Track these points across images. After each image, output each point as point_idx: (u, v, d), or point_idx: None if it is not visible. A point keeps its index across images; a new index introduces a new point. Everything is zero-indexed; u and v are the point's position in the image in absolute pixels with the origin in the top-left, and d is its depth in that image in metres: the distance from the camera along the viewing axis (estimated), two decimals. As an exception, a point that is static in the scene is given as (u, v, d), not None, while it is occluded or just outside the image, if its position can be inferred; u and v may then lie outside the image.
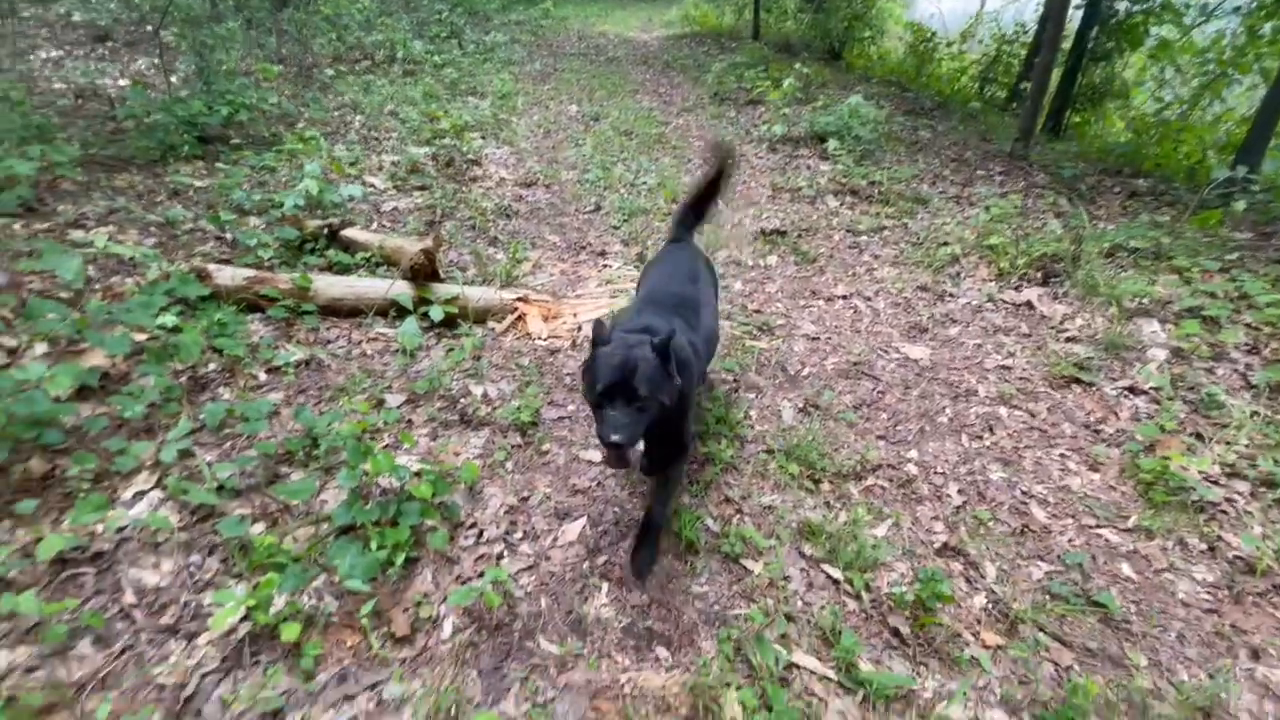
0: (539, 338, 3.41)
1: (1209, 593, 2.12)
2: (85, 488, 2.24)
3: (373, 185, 5.08)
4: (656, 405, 1.76)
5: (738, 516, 2.33)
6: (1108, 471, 2.59)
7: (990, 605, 2.04)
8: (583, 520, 2.31)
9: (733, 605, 2.01)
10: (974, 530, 2.32)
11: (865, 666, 1.81)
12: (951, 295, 3.93)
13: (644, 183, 5.57)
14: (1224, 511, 2.37)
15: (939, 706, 1.74)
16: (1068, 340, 3.42)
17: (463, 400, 2.90)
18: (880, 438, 2.78)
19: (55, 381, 2.39)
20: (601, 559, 2.15)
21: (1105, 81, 7.80)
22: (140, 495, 2.28)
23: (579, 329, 3.50)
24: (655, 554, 2.05)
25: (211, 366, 2.94)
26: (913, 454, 2.69)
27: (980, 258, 4.27)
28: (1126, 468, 2.60)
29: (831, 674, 1.80)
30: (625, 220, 4.85)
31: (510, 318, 3.50)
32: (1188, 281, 3.79)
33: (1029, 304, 3.74)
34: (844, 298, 3.91)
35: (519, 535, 2.25)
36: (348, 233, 3.94)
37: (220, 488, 2.27)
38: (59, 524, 2.10)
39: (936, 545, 2.25)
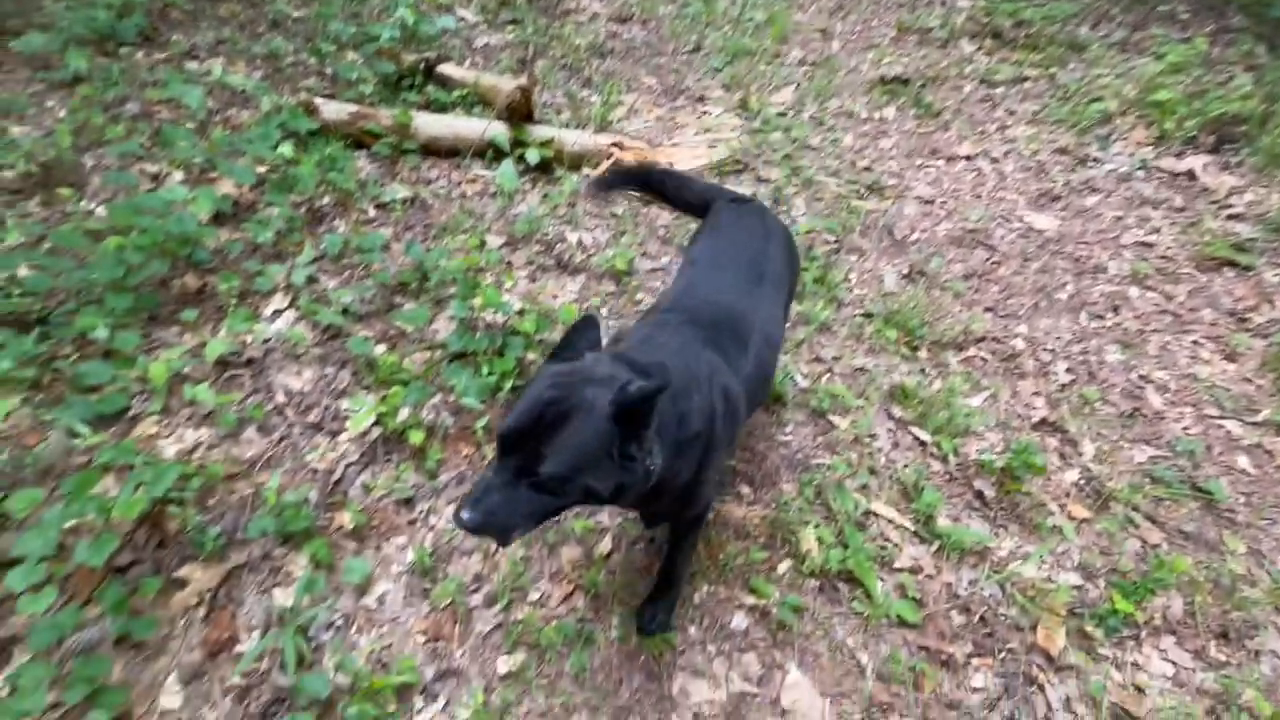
0: (634, 187, 3.33)
1: (1334, 493, 2.00)
2: (233, 302, 2.50)
3: (463, 18, 4.85)
4: (573, 494, 1.09)
5: (828, 375, 2.34)
6: (1246, 363, 2.38)
7: (1083, 481, 2.02)
8: (674, 367, 2.38)
9: (816, 455, 2.09)
10: (1077, 409, 2.24)
11: (943, 522, 1.87)
12: (1095, 160, 3.47)
13: (750, 19, 5.02)
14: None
15: (1013, 564, 1.79)
16: (1229, 217, 3.01)
17: (559, 246, 2.95)
18: (988, 310, 2.65)
19: (197, 204, 2.59)
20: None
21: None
22: (278, 313, 2.52)
23: (675, 180, 3.38)
24: (669, 615, 1.67)
25: (326, 200, 3.09)
26: (1021, 329, 2.55)
27: (1139, 117, 3.70)
28: (1270, 360, 2.37)
29: (909, 524, 1.88)
30: (728, 63, 4.45)
31: (606, 163, 3.41)
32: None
33: (1190, 174, 3.27)
34: (967, 158, 3.55)
35: (613, 375, 2.36)
36: (444, 69, 3.84)
37: (345, 311, 2.47)
38: (215, 332, 2.38)
39: (1034, 419, 2.20)
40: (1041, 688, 1.58)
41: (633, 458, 1.11)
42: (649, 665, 1.63)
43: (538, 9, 5.07)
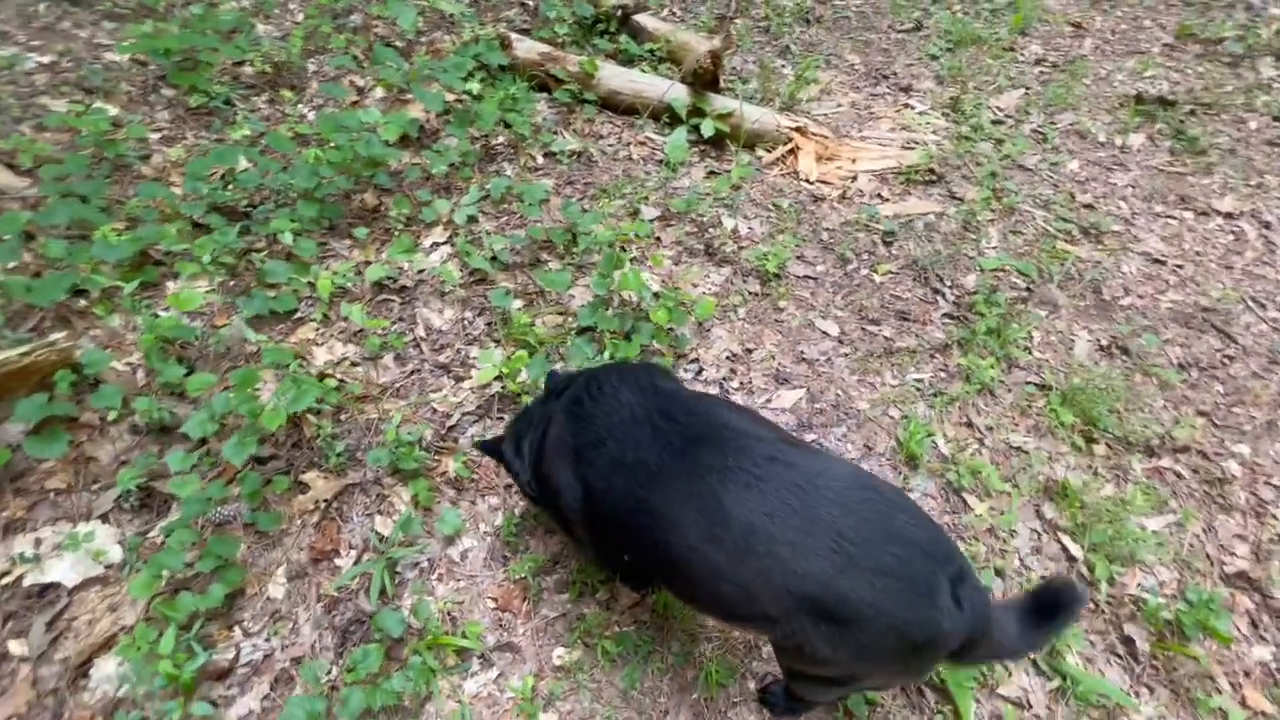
0: (807, 179, 3.08)
1: None
2: (400, 228, 2.65)
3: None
4: None
5: (976, 448, 2.06)
6: None
7: (1276, 665, 1.64)
8: (801, 392, 2.22)
9: (937, 534, 1.86)
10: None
11: (1072, 660, 1.60)
12: None
13: (987, 3, 4.37)
14: None
15: (1148, 735, 1.51)
16: None
17: (712, 230, 2.81)
18: (1202, 414, 2.18)
19: (387, 129, 2.74)
20: (809, 437, 2.08)
21: None
22: (435, 246, 2.64)
23: (854, 179, 3.08)
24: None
25: (500, 139, 3.15)
26: (1242, 449, 2.08)
27: None
28: None
29: None
30: (948, 49, 3.92)
31: (782, 148, 3.17)
32: None
33: None
34: (1227, 215, 2.89)
35: (735, 385, 2.24)
36: (640, 18, 3.72)
37: (493, 258, 2.53)
38: (380, 253, 2.54)
39: (1229, 570, 1.80)
40: None
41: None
42: (698, 706, 1.57)
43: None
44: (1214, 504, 1.96)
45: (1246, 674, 1.62)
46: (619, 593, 1.75)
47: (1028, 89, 3.62)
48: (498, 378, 2.15)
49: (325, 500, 1.87)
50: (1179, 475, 2.02)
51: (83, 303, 2.18)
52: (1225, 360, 2.34)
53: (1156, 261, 2.71)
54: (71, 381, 1.85)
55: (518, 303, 2.43)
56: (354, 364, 2.21)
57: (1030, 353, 2.34)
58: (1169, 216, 2.91)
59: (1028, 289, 2.57)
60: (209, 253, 2.31)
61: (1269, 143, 3.29)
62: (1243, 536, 1.88)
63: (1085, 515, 1.86)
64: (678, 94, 3.21)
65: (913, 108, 3.50)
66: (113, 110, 2.88)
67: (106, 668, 1.54)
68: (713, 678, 1.59)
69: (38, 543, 1.68)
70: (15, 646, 1.55)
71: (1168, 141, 3.30)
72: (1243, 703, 1.57)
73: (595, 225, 2.61)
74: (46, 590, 1.63)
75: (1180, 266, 2.68)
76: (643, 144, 3.23)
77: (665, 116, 3.26)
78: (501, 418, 2.10)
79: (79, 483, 1.80)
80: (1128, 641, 1.65)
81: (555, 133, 3.20)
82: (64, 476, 1.80)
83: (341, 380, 2.13)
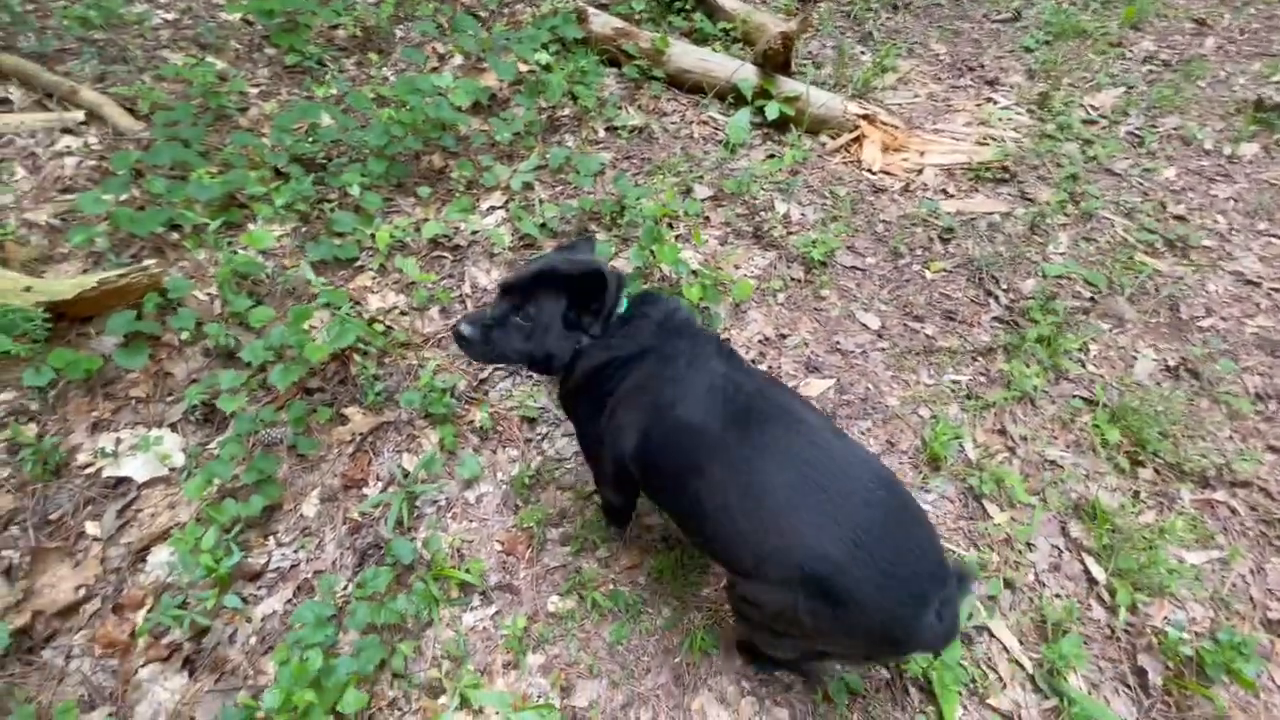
0: (869, 168, 2.99)
1: None
2: (460, 190, 2.78)
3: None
4: (531, 339, 1.42)
5: (1006, 456, 1.98)
6: None
7: (1310, 721, 1.51)
8: (831, 382, 2.19)
9: (949, 539, 1.81)
10: (1346, 626, 1.64)
11: (1075, 682, 1.54)
12: None
13: (1100, -7, 4.04)
14: None
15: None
16: None
17: (763, 213, 2.78)
18: (1273, 450, 2.00)
19: (457, 94, 2.86)
20: (832, 427, 2.06)
21: None
22: (492, 210, 2.76)
23: (919, 172, 2.96)
24: None
25: (566, 111, 3.23)
26: (1318, 504, 1.90)
27: None
28: None
29: (1027, 663, 1.57)
30: (1046, 42, 3.68)
31: (847, 136, 3.09)
32: None
33: None
34: (1264, 229, 2.60)
35: (763, 368, 2.24)
36: (718, -3, 3.69)
37: (543, 225, 2.62)
38: (439, 213, 2.67)
39: (1274, 616, 1.66)
40: None
41: (573, 325, 1.42)
42: (680, 669, 1.61)
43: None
44: (1269, 545, 1.80)
45: (1276, 727, 1.51)
46: (618, 552, 1.81)
47: (1130, 88, 3.35)
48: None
49: (361, 434, 2.02)
50: (1233, 510, 1.87)
51: (176, 236, 2.42)
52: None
53: (1250, 283, 2.48)
54: (158, 304, 2.07)
55: (560, 269, 2.50)
56: (403, 313, 2.35)
57: (1084, 366, 2.20)
58: (1273, 235, 2.65)
59: (1092, 299, 2.41)
60: (285, 198, 2.50)
61: None
62: (1296, 582, 1.72)
63: (1115, 539, 1.76)
64: (746, 75, 3.17)
65: (995, 102, 3.31)
66: (220, 65, 3.15)
67: (161, 556, 1.74)
68: (697, 644, 1.63)
69: (118, 441, 1.91)
70: (91, 527, 1.77)
71: (1286, 152, 2.99)
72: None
73: (644, 200, 2.65)
74: (120, 483, 1.85)
75: (1276, 290, 2.44)
76: (705, 123, 3.22)
77: (731, 97, 3.23)
78: (529, 379, 2.19)
79: (156, 394, 2.03)
80: (1140, 673, 1.56)
81: (620, 107, 3.24)
82: (144, 387, 2.03)
83: (389, 326, 2.28)
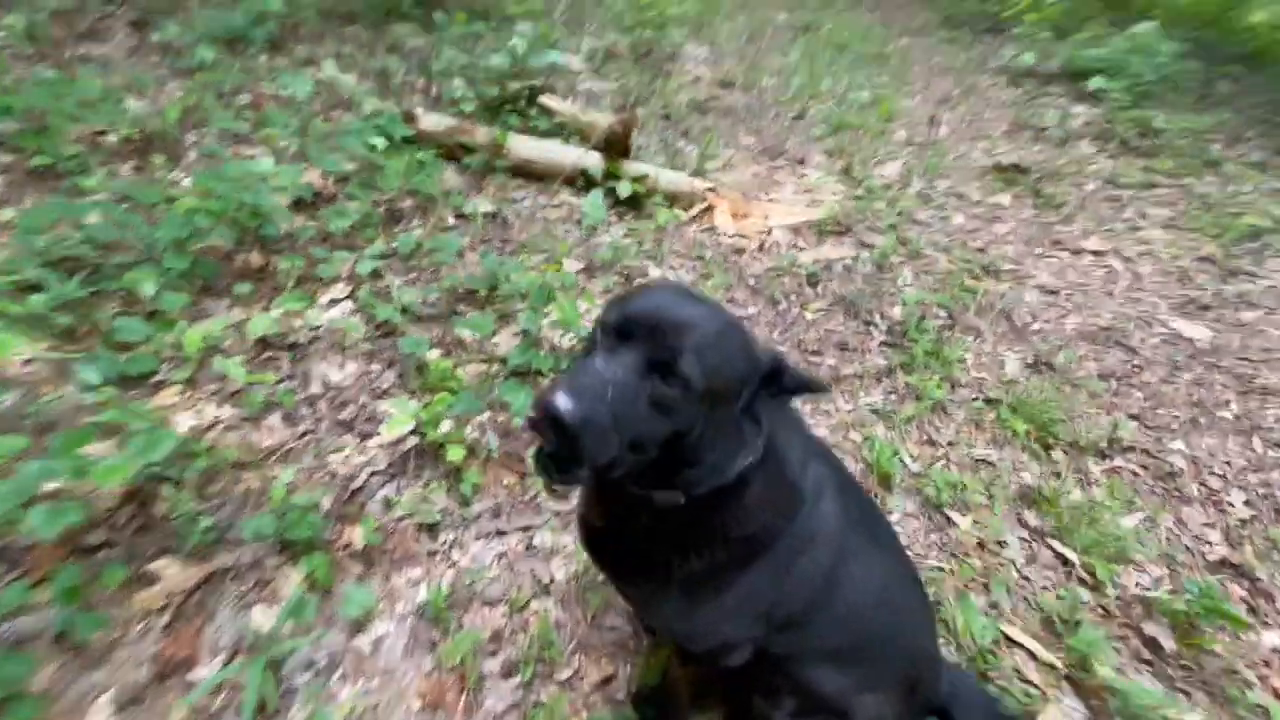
0: (725, 233, 3.12)
1: None
2: (291, 284, 2.33)
3: (568, 64, 4.93)
4: (687, 420, 0.84)
5: (943, 462, 1.95)
6: None
7: (1288, 649, 1.54)
8: (757, 424, 2.05)
9: (927, 556, 1.68)
10: (1266, 553, 1.77)
11: (1105, 672, 1.42)
12: (1250, 274, 3.08)
13: (856, 99, 4.93)
14: None
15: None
16: None
17: (639, 280, 2.71)
18: (1133, 418, 2.23)
19: (279, 178, 2.48)
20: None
21: None
22: (334, 303, 2.34)
23: (769, 232, 3.15)
24: None
25: (407, 203, 2.97)
26: (1177, 445, 2.12)
27: (1302, 235, 3.31)
28: None
29: (1058, 663, 1.44)
30: (831, 133, 4.32)
31: (699, 206, 3.22)
32: None
33: (1371, 302, 2.83)
34: (1095, 253, 3.21)
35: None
36: (546, 99, 3.81)
37: (404, 310, 2.27)
38: (268, 309, 2.19)
39: (1210, 558, 1.74)
40: None
41: (755, 419, 0.92)
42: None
43: (643, 65, 5.13)
44: (1173, 497, 1.94)
45: (1266, 663, 1.51)
46: (582, 667, 1.39)
47: (905, 161, 4.01)
48: (414, 430, 1.81)
49: (182, 592, 1.41)
50: (1134, 474, 2.01)
51: None
52: (1135, 369, 2.46)
53: (1051, 292, 2.91)
54: None
55: (434, 353, 2.15)
56: (229, 428, 1.80)
57: (969, 372, 2.34)
58: (1049, 256, 3.19)
59: (950, 319, 2.63)
60: (37, 308, 1.87)
61: (1106, 199, 3.78)
62: (1210, 525, 1.85)
63: (1066, 519, 1.77)
64: (592, 160, 3.22)
65: (809, 174, 3.74)
66: (-73, 168, 2.44)
67: None
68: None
69: None
70: None
71: (1029, 199, 3.71)
72: (1276, 694, 1.44)
73: (515, 274, 2.43)
74: None
75: (1071, 295, 2.89)
76: (559, 206, 3.17)
77: (581, 181, 3.25)
78: (420, 475, 1.75)
79: None
80: (1152, 644, 1.50)
81: (467, 195, 3.08)
82: None
83: (212, 446, 1.71)
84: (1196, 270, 3.11)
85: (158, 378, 1.90)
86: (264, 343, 2.08)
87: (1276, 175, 4.14)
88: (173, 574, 1.43)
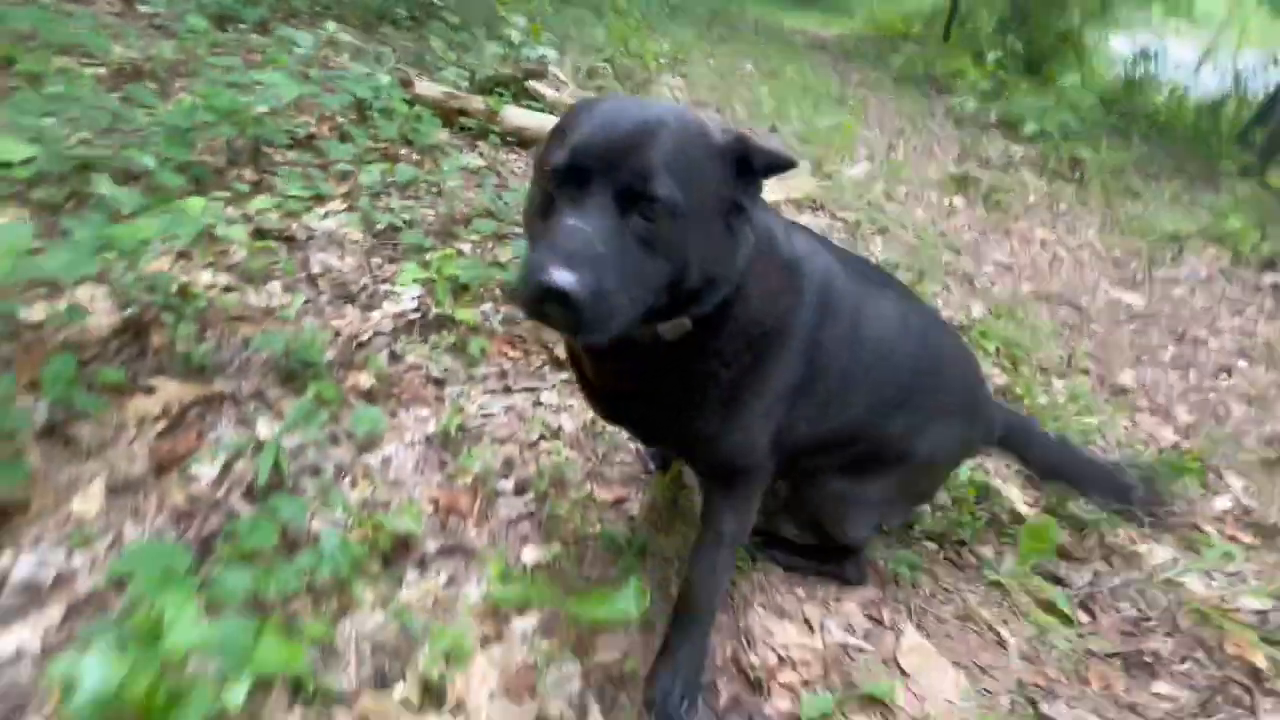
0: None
1: None
2: (291, 189, 2.33)
3: (557, 74, 5.19)
4: (681, 251, 0.79)
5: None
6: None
7: (1239, 512, 1.68)
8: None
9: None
10: (1211, 447, 1.94)
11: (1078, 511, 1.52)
12: (1171, 264, 3.43)
13: (821, 123, 5.34)
14: None
15: (1169, 571, 1.42)
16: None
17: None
18: (1087, 354, 2.43)
19: (282, 90, 2.50)
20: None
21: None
22: (333, 214, 2.34)
23: (750, 205, 3.35)
24: (688, 687, 1.04)
25: (404, 151, 3.04)
26: (1127, 374, 2.32)
27: (1210, 240, 3.72)
28: None
29: (1034, 504, 1.53)
30: (801, 143, 4.64)
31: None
32: None
33: (1275, 286, 3.19)
34: (1042, 242, 3.52)
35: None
36: (536, 85, 4.00)
37: (406, 222, 2.29)
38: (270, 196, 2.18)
39: (1165, 444, 1.89)
40: (1254, 710, 1.15)
41: (745, 212, 0.86)
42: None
43: (624, 84, 5.44)
44: (1126, 406, 2.11)
45: (1221, 519, 1.64)
46: (596, 492, 1.40)
47: (869, 168, 4.34)
48: (416, 308, 1.82)
49: (180, 405, 1.35)
50: (1094, 389, 2.17)
51: None
52: (1085, 321, 2.68)
53: (1006, 267, 3.16)
54: None
55: (433, 254, 2.17)
56: (229, 289, 1.76)
57: (941, 309, 2.51)
58: (1002, 242, 3.48)
59: (919, 275, 2.83)
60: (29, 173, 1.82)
61: (1047, 208, 4.17)
62: (1162, 424, 2.01)
63: (1039, 413, 1.90)
64: (583, 129, 3.38)
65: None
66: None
67: None
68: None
69: None
70: None
71: (980, 202, 4.06)
72: (1233, 539, 1.56)
73: (511, 201, 2.51)
74: None
75: (1024, 269, 3.15)
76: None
77: (571, 149, 3.39)
78: (425, 340, 1.75)
79: None
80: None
81: (460, 150, 3.16)
82: None
83: (209, 301, 1.67)
84: (1128, 260, 3.45)
85: (156, 247, 1.85)
86: (260, 233, 2.06)
87: (1185, 204, 4.67)
88: (170, 390, 1.38)
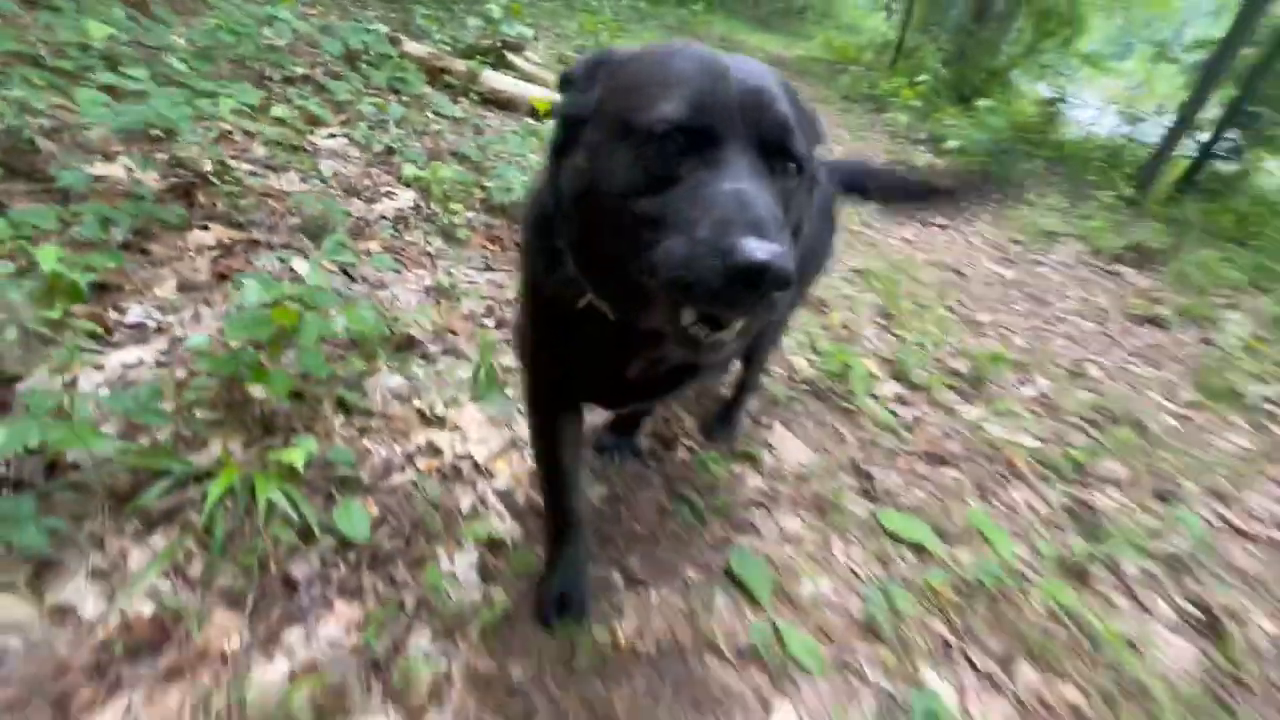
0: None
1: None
2: (294, 113, 2.66)
3: (530, 55, 5.59)
4: (801, 198, 0.77)
5: (825, 289, 2.59)
6: (1170, 369, 2.75)
7: (1040, 396, 2.24)
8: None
9: (817, 334, 2.26)
10: (1034, 365, 2.50)
11: (916, 375, 2.03)
12: (1043, 251, 4.11)
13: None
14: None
15: (981, 422, 1.94)
16: (1152, 301, 3.56)
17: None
18: (958, 300, 2.99)
19: (293, 25, 2.84)
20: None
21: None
22: (333, 136, 2.69)
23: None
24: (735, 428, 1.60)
25: (392, 99, 3.38)
26: (984, 316, 2.89)
27: (1076, 237, 4.44)
28: (1193, 373, 2.75)
29: (886, 370, 2.03)
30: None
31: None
32: None
33: (1119, 273, 3.90)
34: (941, 227, 4.14)
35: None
36: (513, 56, 4.40)
37: (403, 146, 2.65)
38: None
39: (995, 351, 2.46)
40: (1005, 487, 1.67)
41: (817, 183, 0.85)
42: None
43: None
44: (978, 334, 2.67)
45: (1023, 400, 2.19)
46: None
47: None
48: (415, 207, 2.20)
49: (229, 242, 1.70)
50: (955, 320, 2.73)
51: None
52: (964, 281, 3.27)
53: (908, 241, 3.75)
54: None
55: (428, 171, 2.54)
56: (252, 174, 2.10)
57: (843, 264, 3.04)
58: (906, 224, 4.07)
59: (833, 236, 3.37)
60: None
61: (952, 206, 4.82)
62: (1000, 346, 2.58)
63: (906, 329, 2.43)
64: (555, 96, 3.80)
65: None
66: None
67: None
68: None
69: None
70: None
71: (896, 195, 4.68)
72: (1029, 410, 2.10)
73: (495, 145, 2.90)
74: None
75: (923, 245, 3.74)
76: (517, 131, 3.69)
77: (544, 113, 3.80)
78: (420, 227, 2.13)
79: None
80: (956, 373, 2.15)
81: (443, 103, 3.53)
82: None
83: (238, 180, 2.01)
84: (1008, 245, 4.10)
85: (180, 138, 2.17)
86: (275, 142, 2.39)
87: (1064, 212, 5.44)
88: (220, 232, 1.73)
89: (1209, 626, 1.36)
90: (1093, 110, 11.42)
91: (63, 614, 0.86)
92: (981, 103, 6.96)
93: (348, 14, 4.37)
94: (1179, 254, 4.16)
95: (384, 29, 3.65)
